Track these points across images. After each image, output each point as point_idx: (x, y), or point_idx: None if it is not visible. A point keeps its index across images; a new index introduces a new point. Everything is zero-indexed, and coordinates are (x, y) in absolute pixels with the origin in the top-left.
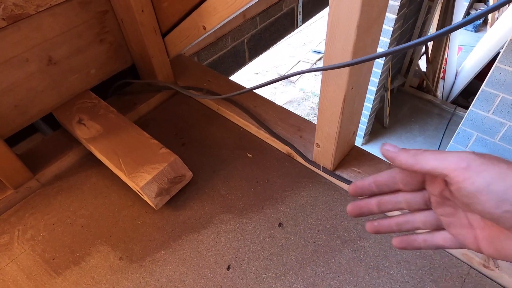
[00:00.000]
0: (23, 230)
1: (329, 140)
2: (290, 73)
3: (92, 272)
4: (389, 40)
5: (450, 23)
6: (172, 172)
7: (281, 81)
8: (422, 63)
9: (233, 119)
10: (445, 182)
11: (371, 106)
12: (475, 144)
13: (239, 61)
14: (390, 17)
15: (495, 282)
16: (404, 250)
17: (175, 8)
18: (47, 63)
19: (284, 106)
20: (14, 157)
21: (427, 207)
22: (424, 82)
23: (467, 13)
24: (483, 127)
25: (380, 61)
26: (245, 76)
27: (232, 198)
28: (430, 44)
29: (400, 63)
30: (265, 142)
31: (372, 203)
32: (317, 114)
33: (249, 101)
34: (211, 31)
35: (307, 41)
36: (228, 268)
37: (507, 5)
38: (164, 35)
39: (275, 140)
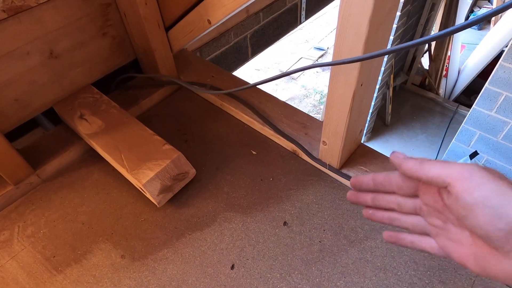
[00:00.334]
0: (23, 227)
1: (336, 138)
2: (297, 68)
3: (94, 270)
4: (392, 37)
5: (454, 20)
6: (175, 169)
7: (282, 78)
8: (425, 61)
9: (237, 115)
10: (441, 194)
11: (373, 103)
12: (478, 143)
13: (242, 57)
14: None
15: (506, 284)
16: (411, 250)
17: (179, 2)
18: (49, 56)
19: None
20: (14, 152)
21: (416, 213)
22: (427, 80)
23: (471, 10)
24: (486, 125)
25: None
26: (247, 73)
27: (236, 196)
28: (433, 42)
29: (402, 60)
30: (270, 139)
31: (368, 196)
32: (318, 111)
33: (253, 97)
34: (216, 25)
35: (309, 37)
36: (232, 267)
37: None
38: (167, 29)
39: (280, 137)
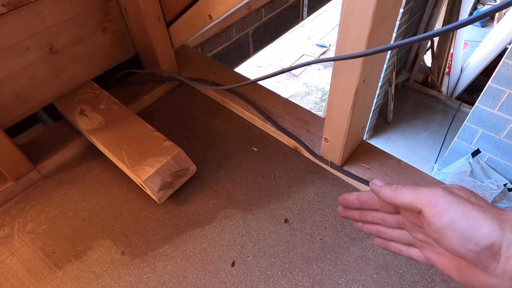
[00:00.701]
0: (23, 223)
1: (338, 135)
2: (299, 64)
3: (93, 267)
4: (395, 34)
5: (457, 17)
6: (175, 166)
7: (284, 75)
8: (427, 58)
9: (238, 111)
10: (418, 215)
11: (375, 101)
12: (480, 141)
13: (243, 54)
14: None
15: None
16: None
17: None
18: (48, 51)
19: None
20: (14, 148)
21: (401, 228)
22: (429, 77)
23: (474, 7)
24: (489, 123)
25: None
26: (248, 69)
27: (237, 192)
28: (435, 39)
29: (405, 58)
30: (271, 136)
31: (355, 213)
32: (320, 108)
33: (254, 93)
34: (217, 21)
35: (311, 34)
36: (233, 264)
37: None
38: (168, 24)
39: (281, 134)
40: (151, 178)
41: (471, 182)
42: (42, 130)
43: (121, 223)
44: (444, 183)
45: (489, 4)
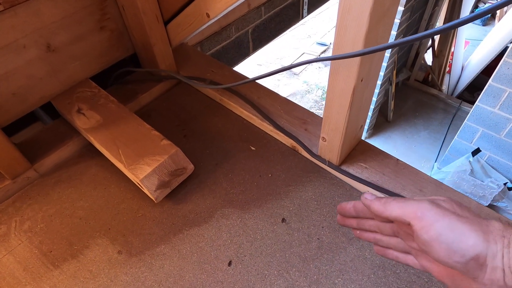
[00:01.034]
0: (20, 221)
1: (336, 134)
2: (298, 63)
3: (90, 266)
4: (395, 33)
5: (458, 16)
6: (173, 165)
7: (284, 73)
8: (428, 57)
9: (236, 110)
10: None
11: (375, 99)
12: (480, 140)
13: (243, 52)
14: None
15: None
16: None
17: None
18: (46, 50)
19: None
20: (11, 146)
21: (396, 236)
22: (430, 76)
23: (475, 6)
24: (489, 122)
25: (386, 54)
26: (248, 68)
27: (235, 192)
28: (436, 37)
29: (405, 56)
30: (269, 134)
31: (353, 221)
32: (320, 107)
33: (253, 92)
34: (215, 19)
35: (312, 33)
36: (229, 264)
37: None
38: (166, 22)
39: (279, 133)
40: (148, 177)
41: (471, 181)
42: (40, 128)
43: (118, 222)
44: (431, 197)
45: (490, 3)
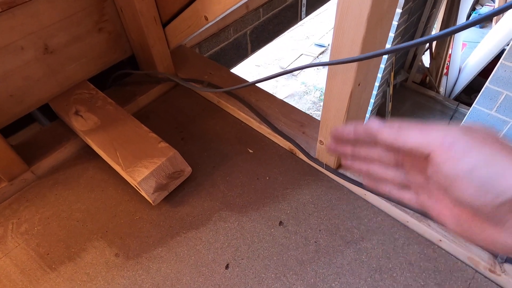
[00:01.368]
0: (17, 224)
1: None
2: (296, 67)
3: (87, 268)
4: (393, 35)
5: (456, 18)
6: (170, 167)
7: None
8: (426, 59)
9: (234, 113)
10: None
11: (373, 101)
12: None
13: (241, 53)
14: None
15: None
16: (407, 252)
17: None
18: (44, 51)
19: (285, 99)
20: (8, 148)
21: (397, 167)
22: (427, 78)
23: (473, 8)
24: (486, 124)
25: (384, 56)
26: (246, 69)
27: (232, 194)
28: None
29: (403, 58)
30: (267, 137)
31: (347, 147)
32: (318, 108)
33: (250, 94)
34: (213, 22)
35: (310, 34)
36: (227, 267)
37: None
38: (164, 24)
39: (277, 135)
40: (145, 180)
41: None
42: (38, 130)
43: (115, 225)
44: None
45: (488, 5)
